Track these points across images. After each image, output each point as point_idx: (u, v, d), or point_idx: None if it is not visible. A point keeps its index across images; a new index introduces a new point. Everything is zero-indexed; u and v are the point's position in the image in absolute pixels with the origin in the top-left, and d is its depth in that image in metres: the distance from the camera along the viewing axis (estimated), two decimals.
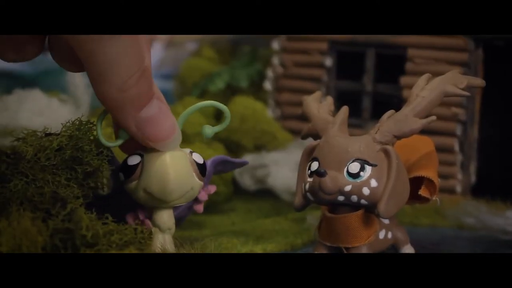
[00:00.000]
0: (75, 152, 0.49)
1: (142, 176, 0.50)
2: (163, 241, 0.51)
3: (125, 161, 0.50)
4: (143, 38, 0.48)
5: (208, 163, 0.59)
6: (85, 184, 0.50)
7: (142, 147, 0.50)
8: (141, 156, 0.50)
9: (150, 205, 0.51)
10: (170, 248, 0.51)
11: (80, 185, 0.49)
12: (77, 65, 0.49)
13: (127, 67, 0.45)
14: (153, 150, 0.50)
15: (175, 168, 0.50)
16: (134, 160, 0.50)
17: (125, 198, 0.51)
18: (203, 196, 0.60)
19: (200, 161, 0.52)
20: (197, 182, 0.51)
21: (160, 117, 0.48)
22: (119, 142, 0.50)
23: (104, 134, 0.61)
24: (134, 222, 0.52)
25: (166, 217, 0.51)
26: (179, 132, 0.50)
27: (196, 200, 0.59)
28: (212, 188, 0.61)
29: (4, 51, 0.48)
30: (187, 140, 0.67)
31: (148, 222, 0.51)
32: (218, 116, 0.82)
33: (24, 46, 0.48)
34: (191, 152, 0.52)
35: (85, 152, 0.49)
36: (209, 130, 0.53)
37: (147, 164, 0.50)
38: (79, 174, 0.49)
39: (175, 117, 0.50)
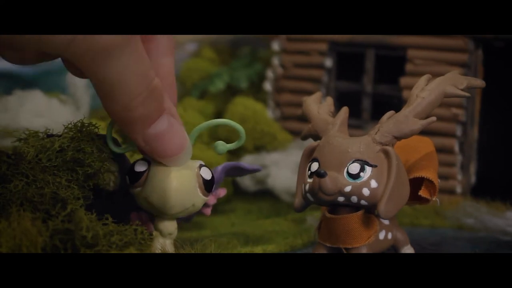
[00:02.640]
0: (77, 154, 0.49)
1: (145, 185, 0.49)
2: (163, 245, 0.51)
3: (133, 166, 0.50)
4: (161, 46, 0.48)
5: (219, 169, 0.59)
6: (86, 185, 0.50)
7: None
8: (149, 163, 0.50)
9: (151, 212, 0.51)
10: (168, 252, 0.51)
11: (81, 187, 0.49)
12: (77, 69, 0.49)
13: (132, 88, 0.45)
14: None
15: (178, 184, 0.49)
16: (141, 167, 0.50)
17: (131, 196, 0.52)
18: (212, 200, 0.59)
19: (208, 176, 0.51)
20: (200, 198, 0.51)
21: (169, 133, 0.48)
22: (129, 148, 0.50)
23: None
24: (136, 222, 0.52)
25: (168, 223, 0.51)
26: (190, 148, 0.50)
27: (204, 203, 0.59)
28: (222, 192, 0.60)
29: (3, 52, 0.47)
30: None
31: (150, 225, 0.51)
32: (217, 116, 0.82)
33: (20, 50, 0.47)
34: (200, 166, 0.51)
35: (87, 154, 0.49)
36: (223, 147, 0.52)
37: (152, 174, 0.49)
38: (80, 175, 0.49)
39: None
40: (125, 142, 0.62)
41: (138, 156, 0.52)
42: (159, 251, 0.51)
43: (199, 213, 0.60)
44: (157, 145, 0.48)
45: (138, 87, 0.45)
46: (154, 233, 0.51)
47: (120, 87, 0.44)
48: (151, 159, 0.50)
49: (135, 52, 0.44)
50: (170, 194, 0.49)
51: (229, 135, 0.78)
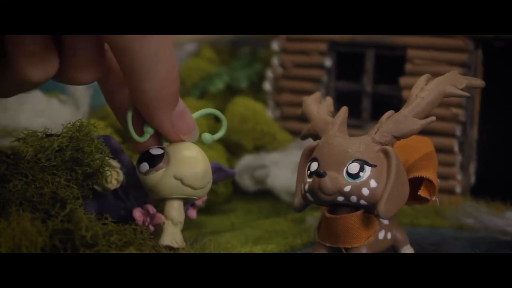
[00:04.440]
0: (75, 153, 0.49)
1: (170, 163, 0.51)
2: (175, 234, 0.51)
3: (148, 152, 0.51)
4: None
5: None
6: (85, 185, 0.50)
7: (155, 144, 0.52)
8: (161, 148, 0.52)
9: (170, 195, 0.52)
10: (180, 241, 0.52)
11: (80, 186, 0.49)
12: (89, 73, 0.49)
13: (168, 61, 0.47)
14: (172, 143, 0.52)
15: (202, 157, 0.52)
16: (157, 150, 0.52)
17: (132, 194, 0.52)
18: (198, 202, 0.60)
19: None
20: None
21: (186, 112, 0.52)
22: (147, 137, 0.52)
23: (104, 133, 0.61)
24: (142, 217, 0.52)
25: (178, 210, 0.52)
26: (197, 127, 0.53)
27: (192, 205, 0.60)
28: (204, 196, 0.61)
29: (29, 71, 0.46)
30: None
31: (160, 215, 0.51)
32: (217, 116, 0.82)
33: (46, 62, 0.47)
34: None
35: (86, 153, 0.49)
36: (209, 137, 0.54)
37: (174, 153, 0.51)
38: (79, 175, 0.49)
39: None
40: (124, 142, 0.62)
41: (137, 156, 0.52)
42: (173, 242, 0.51)
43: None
44: (182, 123, 0.51)
45: (172, 61, 0.48)
46: (166, 222, 0.51)
47: (160, 62, 0.47)
48: (165, 142, 0.52)
49: None
50: (199, 164, 0.52)
51: (229, 136, 0.78)
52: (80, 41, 0.47)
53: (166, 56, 0.47)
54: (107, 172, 0.51)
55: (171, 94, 0.49)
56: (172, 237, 0.51)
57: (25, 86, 0.47)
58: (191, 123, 0.52)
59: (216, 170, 0.62)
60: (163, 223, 0.51)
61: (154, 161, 0.51)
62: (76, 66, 0.48)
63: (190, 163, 0.51)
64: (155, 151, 0.51)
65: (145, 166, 0.51)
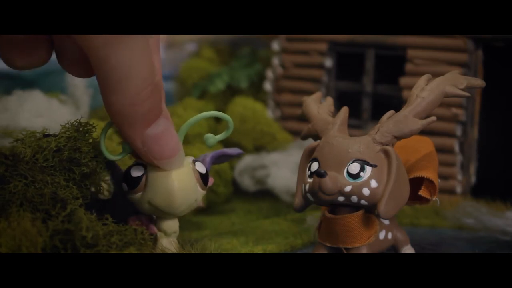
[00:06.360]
0: (73, 153, 0.49)
1: (146, 189, 0.50)
2: (169, 246, 0.51)
3: (128, 172, 0.50)
4: (152, 44, 0.47)
5: (207, 160, 0.59)
6: (83, 185, 0.50)
7: None
8: (144, 167, 0.50)
9: (154, 215, 0.51)
10: (175, 251, 0.51)
11: (78, 186, 0.49)
12: (85, 69, 0.49)
13: (141, 78, 0.44)
14: None
15: (180, 183, 0.49)
16: (137, 171, 0.50)
17: (127, 203, 0.51)
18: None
19: (203, 170, 0.52)
20: (200, 192, 0.51)
21: (166, 136, 0.48)
22: (122, 155, 0.50)
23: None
24: (136, 223, 0.51)
25: (171, 222, 0.51)
26: (183, 151, 0.50)
27: None
28: (211, 180, 0.60)
29: (13, 57, 0.47)
30: (187, 142, 0.67)
31: (152, 226, 0.51)
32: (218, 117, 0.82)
33: (32, 51, 0.47)
34: (194, 161, 0.51)
35: (83, 153, 0.49)
36: (212, 139, 0.53)
37: (152, 177, 0.49)
38: (76, 175, 0.49)
39: (176, 119, 0.50)
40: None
41: (129, 161, 0.52)
42: (169, 251, 0.51)
43: None
44: (155, 147, 0.48)
45: (147, 78, 0.45)
46: (159, 234, 0.51)
47: (131, 76, 0.44)
48: (147, 163, 0.50)
49: (145, 41, 0.44)
50: (174, 195, 0.49)
51: (229, 136, 0.78)
52: (67, 40, 0.47)
53: (139, 70, 0.44)
54: (103, 174, 0.51)
55: (142, 112, 0.46)
56: (166, 248, 0.51)
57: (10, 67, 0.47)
58: (168, 149, 0.48)
59: (219, 157, 0.61)
60: (156, 234, 0.51)
61: (131, 183, 0.50)
62: (65, 62, 0.49)
63: (163, 193, 0.49)
64: (136, 171, 0.50)
65: (124, 186, 0.50)
